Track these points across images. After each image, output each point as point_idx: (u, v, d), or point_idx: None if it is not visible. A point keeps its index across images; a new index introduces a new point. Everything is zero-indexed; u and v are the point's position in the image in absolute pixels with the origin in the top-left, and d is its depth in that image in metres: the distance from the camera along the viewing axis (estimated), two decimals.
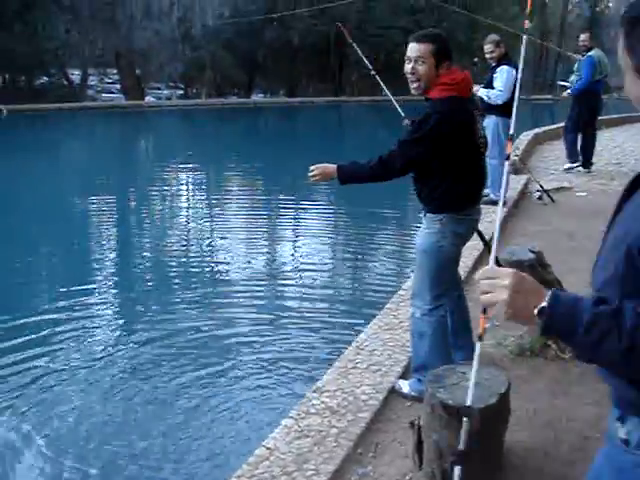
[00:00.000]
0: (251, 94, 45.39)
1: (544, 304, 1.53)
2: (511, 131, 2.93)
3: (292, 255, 9.60)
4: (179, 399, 5.20)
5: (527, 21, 2.89)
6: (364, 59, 5.51)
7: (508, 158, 2.83)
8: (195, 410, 5.03)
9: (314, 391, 4.27)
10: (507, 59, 8.78)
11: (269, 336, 6.44)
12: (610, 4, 69.19)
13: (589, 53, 11.67)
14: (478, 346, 2.14)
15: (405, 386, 4.37)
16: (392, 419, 4.10)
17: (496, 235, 2.31)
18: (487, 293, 1.61)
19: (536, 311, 1.53)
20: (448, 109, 3.94)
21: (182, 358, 5.95)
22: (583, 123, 11.90)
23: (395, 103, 5.13)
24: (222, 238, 10.50)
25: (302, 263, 8.93)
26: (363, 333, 5.21)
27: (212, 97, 40.52)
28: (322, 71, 47.17)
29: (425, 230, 4.14)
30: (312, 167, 4.09)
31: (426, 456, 3.42)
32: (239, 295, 7.60)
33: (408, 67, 4.02)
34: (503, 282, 1.58)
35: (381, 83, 5.32)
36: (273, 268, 8.95)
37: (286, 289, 7.88)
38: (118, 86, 40.75)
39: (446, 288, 4.25)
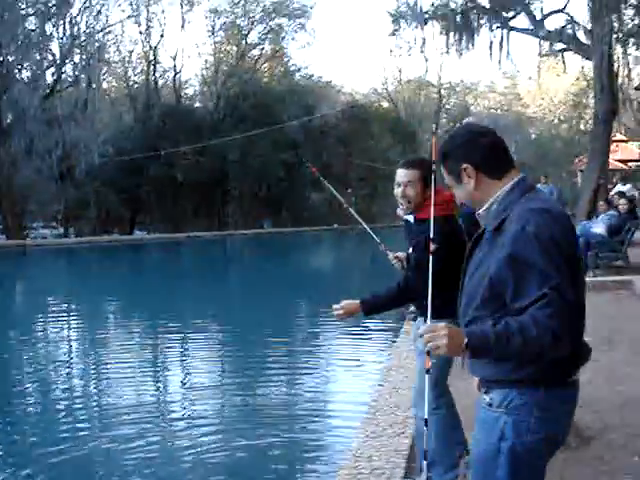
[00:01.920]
0: (133, 230, 45.40)
1: (466, 340, 2.38)
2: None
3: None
4: None
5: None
6: (337, 195, 5.85)
7: None
8: None
9: None
10: None
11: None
12: None
13: None
14: (427, 378, 2.96)
15: None
16: None
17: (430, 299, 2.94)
18: (430, 342, 2.41)
19: (464, 346, 2.38)
20: (446, 227, 4.29)
21: None
22: None
23: (371, 232, 5.34)
24: (104, 372, 10.13)
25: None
26: (354, 442, 5.35)
27: (96, 235, 40.22)
28: (206, 206, 47.91)
29: None
30: (336, 306, 4.29)
31: None
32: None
33: (398, 191, 4.37)
34: (441, 332, 2.39)
35: (355, 215, 5.58)
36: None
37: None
38: None
39: (444, 391, 4.50)
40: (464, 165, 2.65)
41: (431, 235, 3.15)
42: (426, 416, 2.99)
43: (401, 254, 4.96)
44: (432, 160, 3.16)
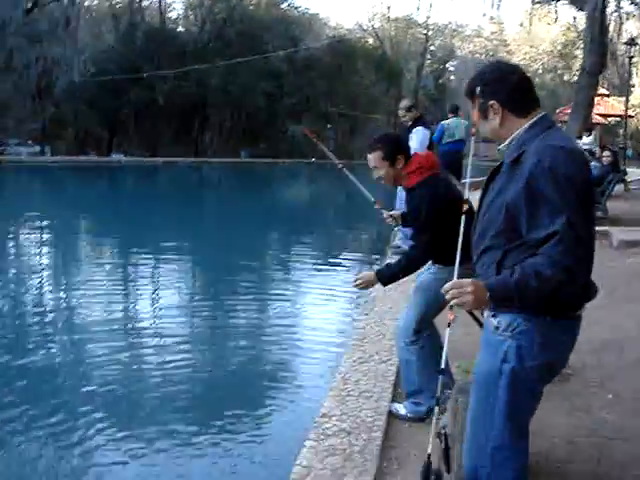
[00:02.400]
0: (111, 152, 44.92)
1: (488, 294, 2.56)
2: (465, 195, 3.37)
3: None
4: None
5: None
6: (331, 155, 5.98)
7: None
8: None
9: (322, 416, 4.54)
10: (422, 121, 9.42)
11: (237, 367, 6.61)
12: (452, 77, 74.06)
13: (442, 122, 12.85)
14: (447, 331, 2.88)
15: (401, 409, 4.72)
16: (399, 437, 4.43)
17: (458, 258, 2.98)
18: (455, 298, 2.59)
19: (487, 299, 2.57)
20: (432, 189, 4.42)
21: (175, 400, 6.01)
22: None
23: (364, 190, 5.45)
24: (74, 290, 10.13)
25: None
26: (342, 366, 5.54)
27: (72, 154, 39.76)
28: (184, 132, 47.45)
29: (432, 275, 4.55)
30: (356, 277, 4.61)
31: (455, 461, 3.75)
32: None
33: (374, 174, 4.54)
34: (468, 289, 2.57)
35: (350, 175, 5.69)
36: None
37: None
38: None
39: (426, 326, 4.68)
40: (491, 102, 2.75)
41: (465, 196, 3.31)
42: (442, 365, 3.09)
43: (395, 212, 5.16)
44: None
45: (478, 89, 2.79)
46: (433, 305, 4.54)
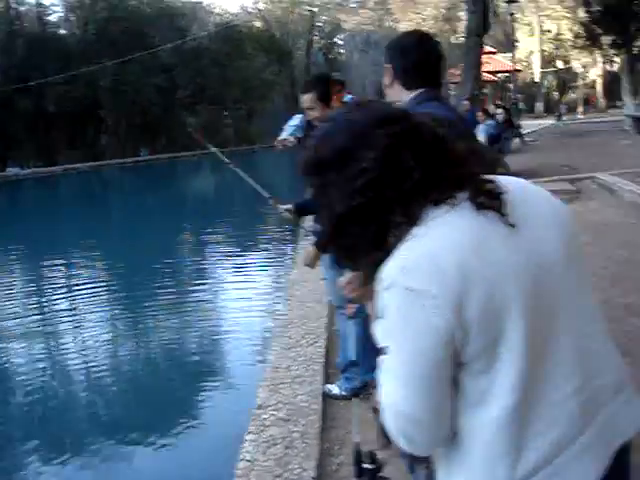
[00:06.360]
0: (6, 166, 43.49)
1: None
2: None
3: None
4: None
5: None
6: (221, 156, 5.89)
7: None
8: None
9: (258, 407, 4.56)
10: None
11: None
12: (342, 51, 74.63)
13: None
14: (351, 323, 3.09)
15: (334, 389, 4.79)
16: (336, 417, 4.50)
17: None
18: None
19: None
20: None
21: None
22: None
23: (257, 186, 5.37)
24: None
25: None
26: (270, 354, 5.57)
27: None
28: (80, 136, 46.30)
29: None
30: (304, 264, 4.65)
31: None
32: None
33: (309, 114, 4.43)
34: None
35: (240, 173, 5.63)
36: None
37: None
38: None
39: None
40: (386, 66, 2.92)
41: None
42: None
43: (291, 207, 5.05)
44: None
45: (385, 53, 2.98)
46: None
